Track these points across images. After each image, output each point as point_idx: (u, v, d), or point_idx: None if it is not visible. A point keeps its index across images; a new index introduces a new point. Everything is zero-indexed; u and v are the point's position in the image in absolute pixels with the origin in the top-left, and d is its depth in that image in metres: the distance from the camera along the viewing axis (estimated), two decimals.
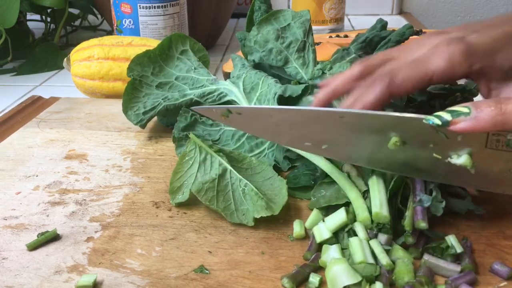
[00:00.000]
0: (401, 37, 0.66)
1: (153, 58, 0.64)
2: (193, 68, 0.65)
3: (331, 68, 0.58)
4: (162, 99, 0.62)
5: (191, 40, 0.67)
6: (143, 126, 0.63)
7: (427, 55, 0.44)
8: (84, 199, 0.52)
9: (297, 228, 0.46)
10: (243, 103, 0.60)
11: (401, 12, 1.51)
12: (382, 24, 0.69)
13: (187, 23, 0.94)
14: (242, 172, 0.52)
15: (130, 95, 0.63)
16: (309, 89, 0.56)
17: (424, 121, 0.37)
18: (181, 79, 0.64)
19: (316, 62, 0.61)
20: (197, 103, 0.62)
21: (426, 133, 0.38)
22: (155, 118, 0.65)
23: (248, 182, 0.50)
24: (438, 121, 0.37)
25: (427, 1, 1.51)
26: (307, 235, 0.46)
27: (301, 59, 0.61)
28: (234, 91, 0.61)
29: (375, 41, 0.67)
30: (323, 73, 0.58)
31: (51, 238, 0.46)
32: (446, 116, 0.37)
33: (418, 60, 0.44)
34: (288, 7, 1.15)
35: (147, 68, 0.64)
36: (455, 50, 0.43)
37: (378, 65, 0.47)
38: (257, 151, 0.58)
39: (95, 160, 0.60)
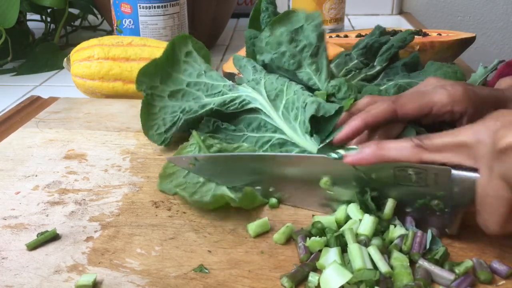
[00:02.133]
0: (403, 43, 0.66)
1: (160, 66, 0.63)
2: (203, 71, 0.63)
3: (339, 89, 0.57)
4: (180, 112, 0.61)
5: (192, 39, 0.66)
6: (167, 145, 0.62)
7: (431, 90, 0.51)
8: (84, 199, 0.52)
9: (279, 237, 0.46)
10: (269, 111, 0.59)
11: (401, 12, 1.51)
12: (381, 31, 0.69)
13: (187, 23, 0.94)
14: None
15: (146, 114, 0.62)
16: (342, 111, 0.53)
17: (326, 155, 0.46)
18: (193, 85, 0.63)
19: (329, 69, 0.61)
20: (218, 112, 0.61)
21: (349, 173, 0.46)
22: None
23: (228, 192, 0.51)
24: (335, 155, 0.45)
25: (427, 1, 1.51)
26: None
27: (315, 65, 0.60)
28: (258, 99, 0.60)
29: (375, 46, 0.67)
30: (337, 91, 0.58)
31: (51, 237, 0.46)
32: (341, 151, 0.45)
33: (423, 91, 0.51)
34: (288, 7, 1.15)
35: (155, 78, 0.62)
36: (458, 91, 0.49)
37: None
38: None
39: (95, 160, 0.60)
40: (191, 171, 0.53)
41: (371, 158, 0.44)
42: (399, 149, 0.43)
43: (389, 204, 0.46)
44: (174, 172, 0.53)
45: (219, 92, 0.61)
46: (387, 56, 0.66)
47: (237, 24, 1.39)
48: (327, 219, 0.46)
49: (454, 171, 0.42)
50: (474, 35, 0.89)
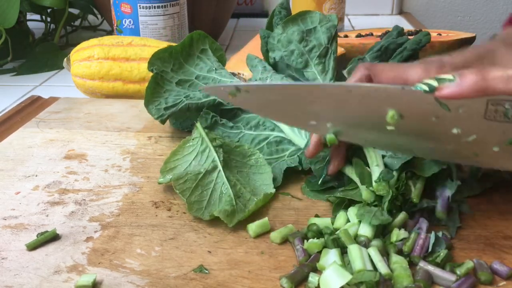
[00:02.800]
0: (418, 45, 0.64)
1: (174, 55, 0.64)
2: (214, 68, 0.64)
3: None
4: (184, 97, 0.62)
5: (210, 39, 0.66)
6: (163, 122, 0.63)
7: (408, 65, 0.46)
8: (84, 199, 0.52)
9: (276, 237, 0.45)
10: None
11: (401, 12, 1.51)
12: (399, 31, 0.67)
13: (187, 23, 0.94)
14: (245, 168, 0.53)
15: (152, 89, 0.63)
16: None
17: (412, 88, 0.39)
18: (201, 79, 0.63)
19: (335, 71, 0.61)
20: (221, 104, 0.62)
21: (427, 107, 0.39)
22: (156, 121, 0.64)
23: (229, 188, 0.50)
24: (425, 87, 0.38)
25: (427, 1, 1.51)
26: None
27: (321, 65, 0.61)
28: None
29: (391, 48, 0.65)
30: None
31: (51, 238, 0.46)
32: (433, 83, 0.38)
33: (401, 64, 0.47)
34: None
35: (167, 64, 0.63)
36: (431, 64, 0.44)
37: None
38: (275, 156, 0.57)
39: (95, 160, 0.60)
40: (232, 103, 0.52)
41: (472, 92, 0.37)
42: (503, 77, 0.36)
43: (418, 186, 0.45)
44: (175, 167, 0.53)
45: None
46: (399, 59, 0.65)
47: (237, 24, 1.39)
48: (322, 221, 0.46)
49: None
50: (474, 35, 0.89)
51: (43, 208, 0.51)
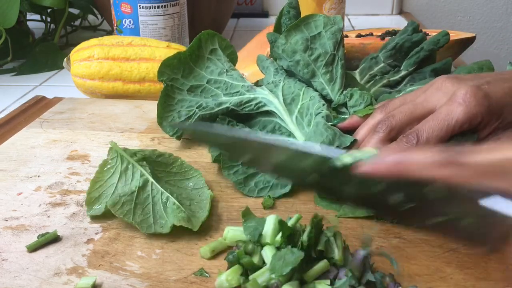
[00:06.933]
0: (435, 45, 0.62)
1: (183, 60, 0.62)
2: (225, 70, 0.62)
3: (351, 96, 0.56)
4: (197, 108, 0.60)
5: (219, 37, 0.65)
6: (179, 138, 0.62)
7: (448, 109, 0.47)
8: (85, 200, 0.52)
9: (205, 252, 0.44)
10: (283, 115, 0.58)
11: (401, 12, 1.50)
12: (414, 27, 0.64)
13: (187, 23, 0.94)
14: (171, 177, 0.51)
15: (164, 104, 0.61)
16: (356, 143, 0.52)
17: (330, 162, 0.37)
18: (213, 83, 0.62)
19: (344, 78, 0.59)
20: (233, 111, 0.60)
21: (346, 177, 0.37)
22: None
23: (170, 196, 0.48)
24: (347, 161, 0.36)
25: (427, 1, 1.51)
26: None
27: (329, 75, 0.59)
28: (273, 102, 0.59)
29: (406, 46, 0.63)
30: (349, 99, 0.56)
31: (51, 239, 0.46)
32: (355, 155, 0.36)
33: (420, 103, 0.50)
34: None
35: (176, 70, 0.61)
36: (472, 102, 0.46)
37: (401, 123, 0.50)
38: None
39: (97, 161, 0.60)
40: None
41: (388, 173, 0.35)
42: (425, 164, 0.34)
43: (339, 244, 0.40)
44: (100, 195, 0.50)
45: (237, 92, 0.60)
46: (415, 59, 0.62)
47: (237, 24, 1.38)
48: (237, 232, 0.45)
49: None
50: (474, 35, 0.89)
51: (44, 209, 0.51)
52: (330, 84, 0.58)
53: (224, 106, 0.60)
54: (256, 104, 0.60)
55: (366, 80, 0.63)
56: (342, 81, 0.58)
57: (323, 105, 0.56)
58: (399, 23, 1.39)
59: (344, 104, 0.57)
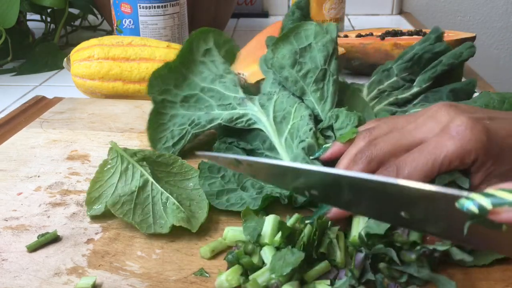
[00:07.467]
0: (456, 59, 0.53)
1: (174, 69, 0.59)
2: (219, 75, 0.59)
3: (337, 117, 0.50)
4: (189, 125, 0.57)
5: (215, 33, 0.61)
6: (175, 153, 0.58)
7: (437, 141, 0.41)
8: (85, 200, 0.52)
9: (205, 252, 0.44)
10: (272, 136, 0.54)
11: (401, 12, 1.51)
12: (437, 35, 0.55)
13: (187, 23, 0.94)
14: (170, 177, 0.51)
15: (155, 124, 0.58)
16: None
17: (456, 204, 0.29)
18: (206, 91, 0.58)
19: (335, 96, 0.53)
20: (225, 127, 0.57)
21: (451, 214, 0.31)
22: None
23: (170, 196, 0.48)
24: (474, 209, 0.28)
25: (427, 1, 1.51)
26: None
27: (319, 92, 0.53)
28: (263, 120, 0.55)
29: (425, 58, 0.54)
30: (334, 120, 0.51)
31: (51, 239, 0.46)
32: (484, 202, 0.28)
33: (408, 131, 0.43)
34: (288, 7, 1.15)
35: (168, 81, 0.58)
36: (466, 136, 0.40)
37: (383, 153, 0.43)
38: None
39: (97, 161, 0.60)
40: (234, 171, 0.49)
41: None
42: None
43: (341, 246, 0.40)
44: (100, 195, 0.50)
45: (229, 104, 0.57)
46: (430, 75, 0.54)
47: (237, 24, 1.38)
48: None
49: None
50: (474, 35, 0.89)
51: (44, 209, 0.51)
52: (321, 103, 0.53)
53: (216, 122, 0.57)
54: (247, 121, 0.56)
55: (373, 96, 0.57)
56: (333, 99, 0.53)
57: (310, 129, 0.51)
58: (399, 23, 1.39)
59: (330, 127, 0.51)
